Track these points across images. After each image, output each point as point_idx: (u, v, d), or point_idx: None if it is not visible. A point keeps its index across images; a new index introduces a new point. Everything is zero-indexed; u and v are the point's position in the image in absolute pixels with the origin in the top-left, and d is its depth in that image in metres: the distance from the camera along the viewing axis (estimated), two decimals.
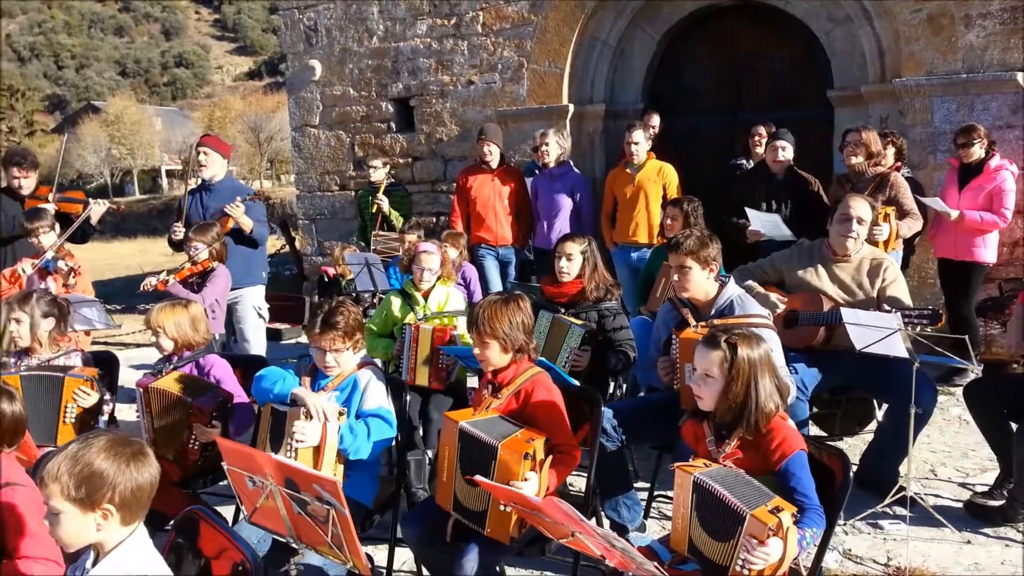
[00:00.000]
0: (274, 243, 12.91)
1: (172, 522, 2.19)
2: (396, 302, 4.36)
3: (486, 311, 2.90)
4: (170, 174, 64.37)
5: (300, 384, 3.05)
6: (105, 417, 3.60)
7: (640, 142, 5.93)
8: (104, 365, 3.73)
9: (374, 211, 6.71)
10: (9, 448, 2.35)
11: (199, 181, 5.60)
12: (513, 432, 2.79)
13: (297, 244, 10.31)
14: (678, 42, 7.93)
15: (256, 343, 5.54)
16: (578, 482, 3.86)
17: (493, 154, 6.42)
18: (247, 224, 5.27)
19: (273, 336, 8.25)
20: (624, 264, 6.08)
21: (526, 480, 2.62)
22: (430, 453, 3.82)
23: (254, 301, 5.53)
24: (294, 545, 2.46)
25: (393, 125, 8.77)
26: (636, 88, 7.97)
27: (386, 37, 8.59)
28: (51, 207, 5.51)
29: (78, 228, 5.48)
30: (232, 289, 5.18)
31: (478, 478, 2.49)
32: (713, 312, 3.41)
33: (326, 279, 7.84)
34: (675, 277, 3.46)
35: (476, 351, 2.95)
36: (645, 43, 7.86)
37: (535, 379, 2.96)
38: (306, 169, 9.32)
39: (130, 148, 58.20)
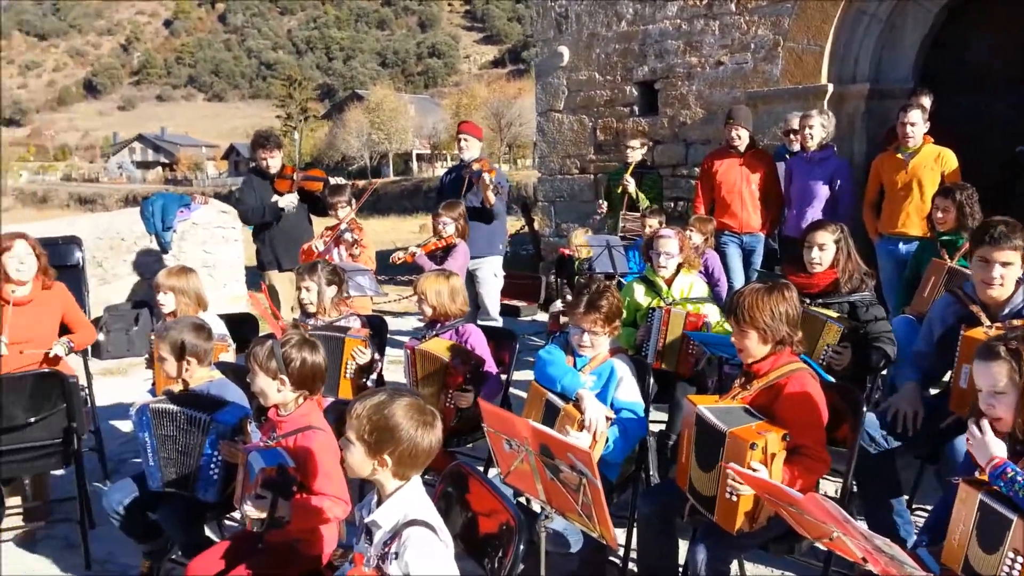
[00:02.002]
0: (514, 223, 13.43)
1: (441, 474, 2.37)
2: (639, 289, 4.35)
3: (747, 299, 2.79)
4: (420, 157, 69.17)
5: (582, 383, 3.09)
6: (374, 376, 3.98)
7: (917, 123, 5.36)
8: (375, 328, 4.10)
9: (620, 191, 6.73)
10: (311, 395, 2.67)
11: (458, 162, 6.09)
12: (748, 423, 2.70)
13: (536, 225, 10.64)
14: (961, 13, 7.12)
15: (495, 305, 6.19)
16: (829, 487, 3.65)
17: (742, 138, 6.18)
18: (491, 198, 5.85)
19: (511, 312, 8.61)
20: (889, 257, 5.58)
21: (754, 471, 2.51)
22: (674, 438, 3.80)
23: (494, 269, 6.18)
24: (540, 509, 2.56)
25: (636, 109, 8.74)
26: (907, 64, 7.28)
27: (635, 20, 8.56)
28: (345, 183, 6.18)
29: (319, 203, 6.10)
30: (474, 258, 5.79)
31: (732, 466, 2.44)
32: (1007, 312, 3.03)
33: (562, 259, 8.01)
34: (994, 274, 3.04)
35: (734, 340, 2.87)
36: (920, 15, 7.14)
37: (793, 375, 2.80)
38: (548, 153, 9.57)
39: (387, 133, 63.18)
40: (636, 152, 6.93)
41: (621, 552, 3.24)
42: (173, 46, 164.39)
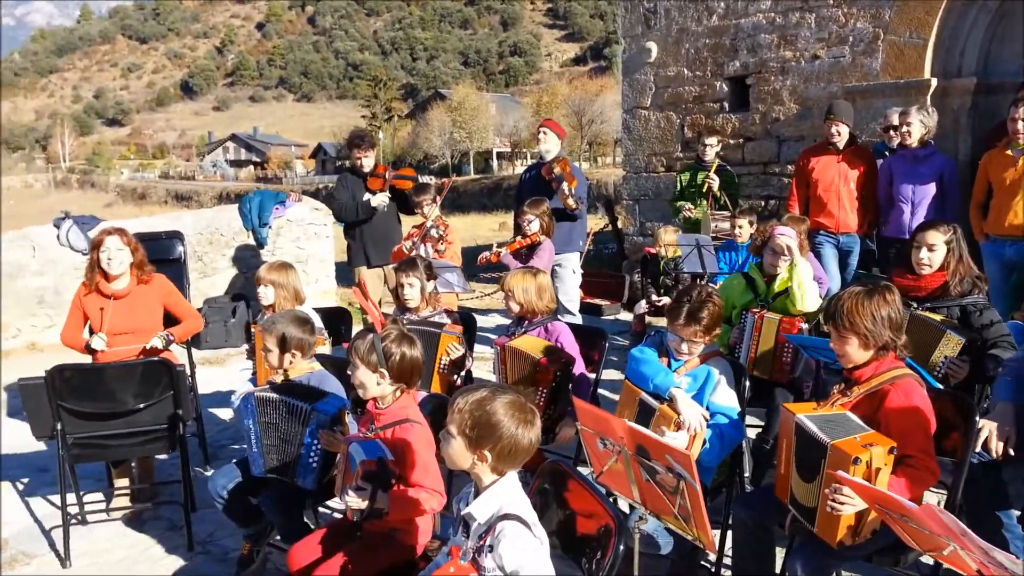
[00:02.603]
0: (597, 222, 13.36)
1: (530, 470, 2.37)
2: (737, 285, 4.26)
3: (847, 303, 2.69)
4: (500, 156, 69.59)
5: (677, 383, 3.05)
6: (463, 372, 4.01)
7: None
8: (465, 324, 4.14)
9: (705, 189, 6.60)
10: (408, 388, 2.72)
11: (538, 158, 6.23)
12: (852, 434, 2.60)
13: (619, 223, 10.55)
14: None
15: (574, 302, 6.16)
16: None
17: (841, 134, 5.95)
18: (571, 204, 5.87)
19: (593, 311, 8.57)
20: (996, 260, 5.29)
21: None
22: (772, 442, 3.70)
23: (573, 265, 6.17)
24: (628, 509, 2.53)
25: (726, 105, 8.56)
26: (1018, 57, 6.89)
27: (726, 14, 8.38)
28: (431, 182, 6.29)
29: (405, 201, 6.21)
30: (555, 254, 5.72)
31: (840, 474, 2.36)
32: None
33: (648, 258, 7.92)
34: None
35: (833, 345, 2.77)
36: None
37: (898, 381, 2.68)
38: (634, 150, 9.47)
39: (469, 132, 63.81)
40: (712, 150, 6.80)
41: (712, 557, 3.19)
42: (265, 48, 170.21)
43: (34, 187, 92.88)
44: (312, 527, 3.20)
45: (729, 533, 3.20)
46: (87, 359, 4.28)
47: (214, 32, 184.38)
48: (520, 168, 62.86)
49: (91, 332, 4.22)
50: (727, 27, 8.38)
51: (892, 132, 6.11)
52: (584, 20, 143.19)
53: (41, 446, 4.96)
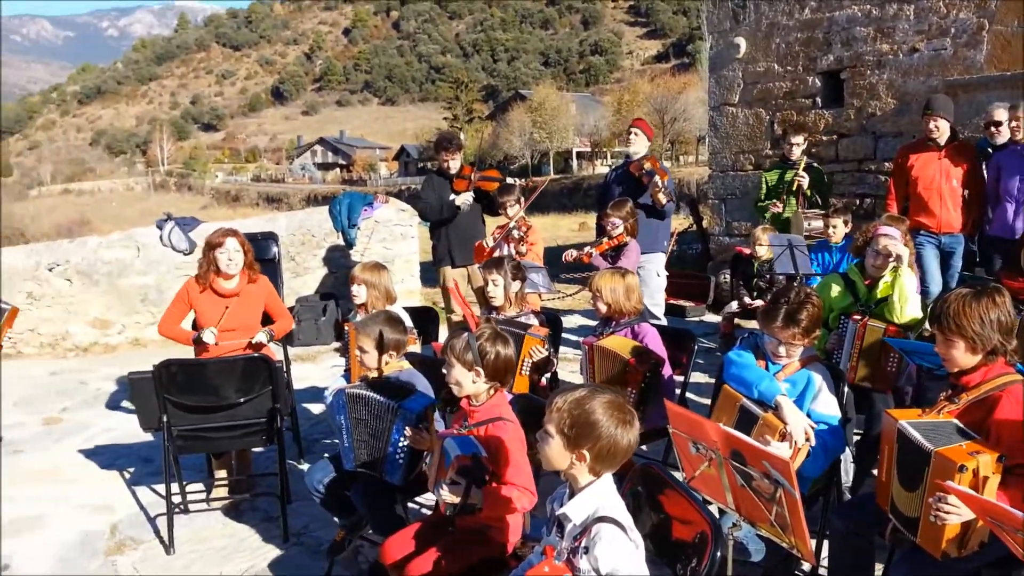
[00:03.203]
0: (681, 221, 13.16)
1: (624, 473, 2.35)
2: (836, 288, 4.11)
3: (953, 306, 2.57)
4: (580, 155, 69.40)
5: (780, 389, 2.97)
6: (548, 375, 4.02)
7: None
8: (551, 324, 4.15)
9: (795, 188, 6.42)
10: (503, 386, 2.74)
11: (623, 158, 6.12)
12: (958, 442, 2.48)
13: (705, 223, 10.36)
14: None
15: (658, 304, 6.13)
16: None
17: (941, 129, 5.69)
18: (662, 199, 5.78)
19: (677, 312, 8.45)
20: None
21: None
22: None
23: (657, 267, 6.10)
24: (718, 514, 2.48)
25: (818, 100, 8.30)
26: None
27: (819, 7, 8.12)
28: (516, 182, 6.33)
29: (494, 203, 6.16)
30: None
31: (949, 484, 2.26)
32: None
33: (739, 258, 7.75)
34: None
35: (939, 349, 2.66)
36: None
37: (1009, 388, 2.55)
38: (721, 148, 9.28)
39: (549, 132, 63.87)
40: (798, 148, 6.61)
41: (806, 566, 3.10)
42: (351, 53, 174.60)
43: (135, 190, 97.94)
44: (405, 521, 3.26)
45: (826, 543, 3.11)
46: (187, 352, 4.49)
47: (303, 38, 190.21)
48: (600, 168, 62.58)
49: (194, 325, 4.44)
50: (820, 20, 8.12)
51: (994, 128, 5.78)
52: (667, 17, 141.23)
53: (146, 437, 5.22)
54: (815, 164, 6.97)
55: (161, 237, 8.22)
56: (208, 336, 4.24)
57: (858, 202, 7.86)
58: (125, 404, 6.27)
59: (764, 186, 6.87)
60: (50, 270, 8.15)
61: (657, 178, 5.77)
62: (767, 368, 3.07)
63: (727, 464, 2.35)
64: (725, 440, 2.33)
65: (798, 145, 6.67)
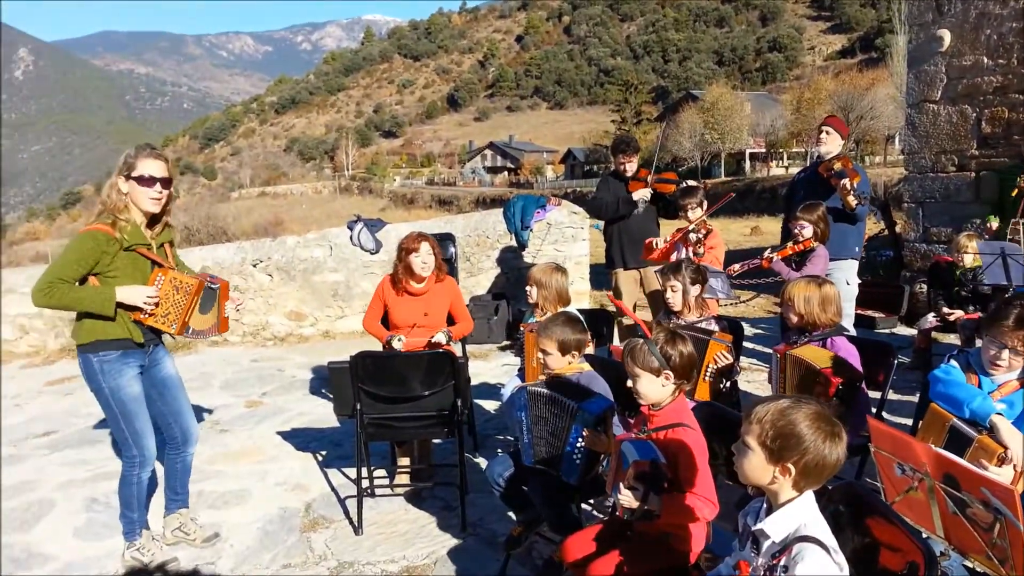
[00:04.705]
0: (872, 226, 12.33)
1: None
2: None
3: None
4: (753, 157, 66.74)
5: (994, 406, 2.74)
6: (728, 383, 3.89)
7: None
8: (734, 331, 4.02)
9: (1014, 194, 5.84)
10: (688, 383, 2.69)
11: (815, 157, 5.74)
12: None
13: (898, 228, 9.65)
14: None
15: (849, 316, 5.59)
16: None
17: None
18: (851, 203, 5.41)
19: (866, 324, 7.91)
20: None
21: None
22: None
23: (847, 275, 5.66)
24: (936, 543, 2.30)
25: None
26: None
27: None
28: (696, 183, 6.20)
29: (671, 206, 6.11)
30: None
31: None
32: None
33: (940, 266, 7.16)
34: None
35: None
36: None
37: None
38: (919, 148, 8.61)
39: (721, 133, 61.92)
40: None
41: None
42: (523, 59, 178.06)
43: (322, 193, 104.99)
44: (580, 521, 3.28)
45: None
46: (376, 346, 4.75)
47: (478, 47, 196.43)
48: (775, 170, 59.79)
49: (384, 320, 4.71)
50: None
51: None
52: (853, 10, 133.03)
53: (335, 423, 5.59)
54: None
55: (351, 237, 8.77)
56: (396, 344, 4.48)
57: None
58: (317, 392, 6.75)
59: (1000, 186, 6.30)
60: (254, 266, 8.92)
61: (846, 180, 5.44)
62: (980, 386, 2.81)
63: (938, 489, 2.18)
64: (937, 463, 2.16)
65: None
